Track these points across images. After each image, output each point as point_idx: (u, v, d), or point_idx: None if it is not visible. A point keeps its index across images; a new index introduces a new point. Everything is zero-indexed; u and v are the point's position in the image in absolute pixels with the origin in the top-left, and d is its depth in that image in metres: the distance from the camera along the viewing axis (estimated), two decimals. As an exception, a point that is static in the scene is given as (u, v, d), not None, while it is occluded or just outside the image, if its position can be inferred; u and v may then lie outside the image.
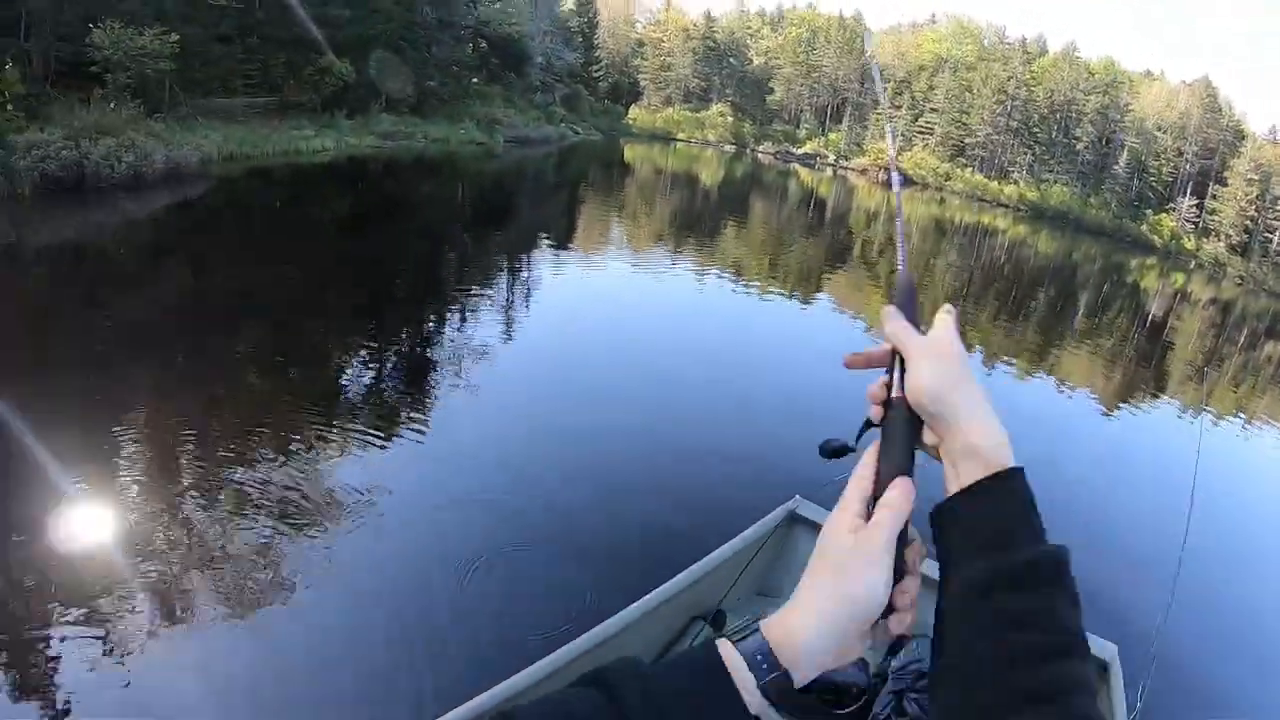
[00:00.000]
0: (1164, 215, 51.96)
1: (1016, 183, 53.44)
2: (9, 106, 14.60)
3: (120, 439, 6.17)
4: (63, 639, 4.02)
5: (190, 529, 5.04)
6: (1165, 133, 54.19)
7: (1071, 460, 8.77)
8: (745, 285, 15.64)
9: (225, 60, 24.87)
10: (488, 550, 5.05)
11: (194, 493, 5.47)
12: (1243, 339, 24.35)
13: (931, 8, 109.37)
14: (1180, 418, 11.61)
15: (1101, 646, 3.33)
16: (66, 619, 4.16)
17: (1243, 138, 53.36)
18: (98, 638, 4.01)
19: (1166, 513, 5.90)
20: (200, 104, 22.61)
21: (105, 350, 8.14)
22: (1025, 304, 19.77)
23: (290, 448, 6.23)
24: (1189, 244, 49.78)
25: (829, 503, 2.91)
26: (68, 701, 3.65)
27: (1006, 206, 49.20)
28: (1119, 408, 11.44)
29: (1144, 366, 15.26)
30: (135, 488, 5.47)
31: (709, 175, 43.59)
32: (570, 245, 18.10)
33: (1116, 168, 53.66)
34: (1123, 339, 16.81)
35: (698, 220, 26.33)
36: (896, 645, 2.34)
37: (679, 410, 8.03)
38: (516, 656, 2.85)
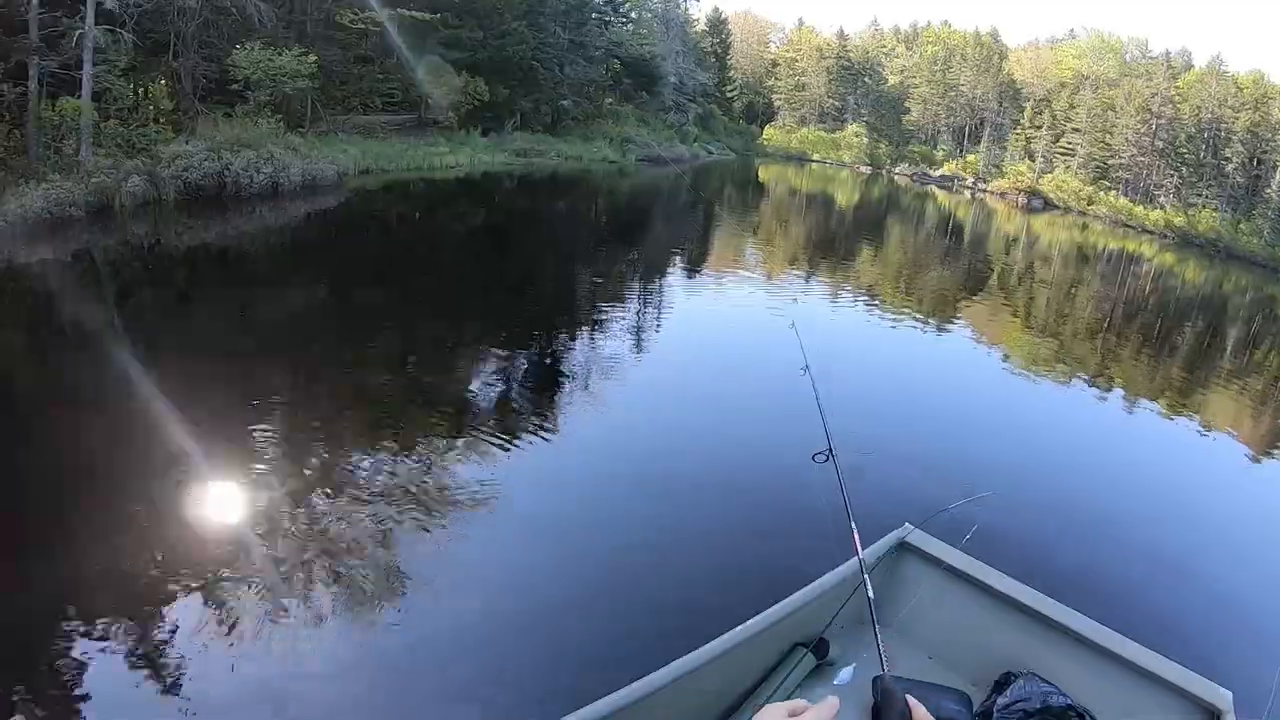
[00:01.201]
0: (1322, 244, 49.13)
1: (1163, 207, 51.20)
2: (159, 120, 15.85)
3: (253, 426, 6.55)
4: (181, 611, 4.26)
5: (314, 516, 5.26)
6: (1325, 151, 50.98)
7: (1206, 502, 8.88)
8: (878, 309, 15.63)
9: (364, 80, 26.30)
10: (605, 557, 5.32)
11: (321, 481, 5.72)
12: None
13: (1070, 22, 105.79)
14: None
15: (1215, 693, 3.28)
16: (186, 591, 4.40)
17: None
18: (214, 613, 4.24)
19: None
20: (340, 120, 24.16)
21: (240, 342, 8.77)
22: (1170, 338, 18.97)
23: (415, 446, 6.52)
24: (1352, 272, 46.99)
25: (942, 532, 4.14)
26: (179, 671, 3.87)
27: (1152, 233, 47.28)
28: (1268, 453, 11.10)
29: None
30: (264, 472, 5.76)
31: (844, 196, 43.52)
32: (703, 265, 18.55)
33: (1269, 190, 50.80)
34: (1275, 380, 15.98)
35: (832, 242, 26.63)
36: (1003, 682, 3.57)
37: (796, 429, 7.95)
38: (623, 669, 2.89)
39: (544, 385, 8.80)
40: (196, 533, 5.05)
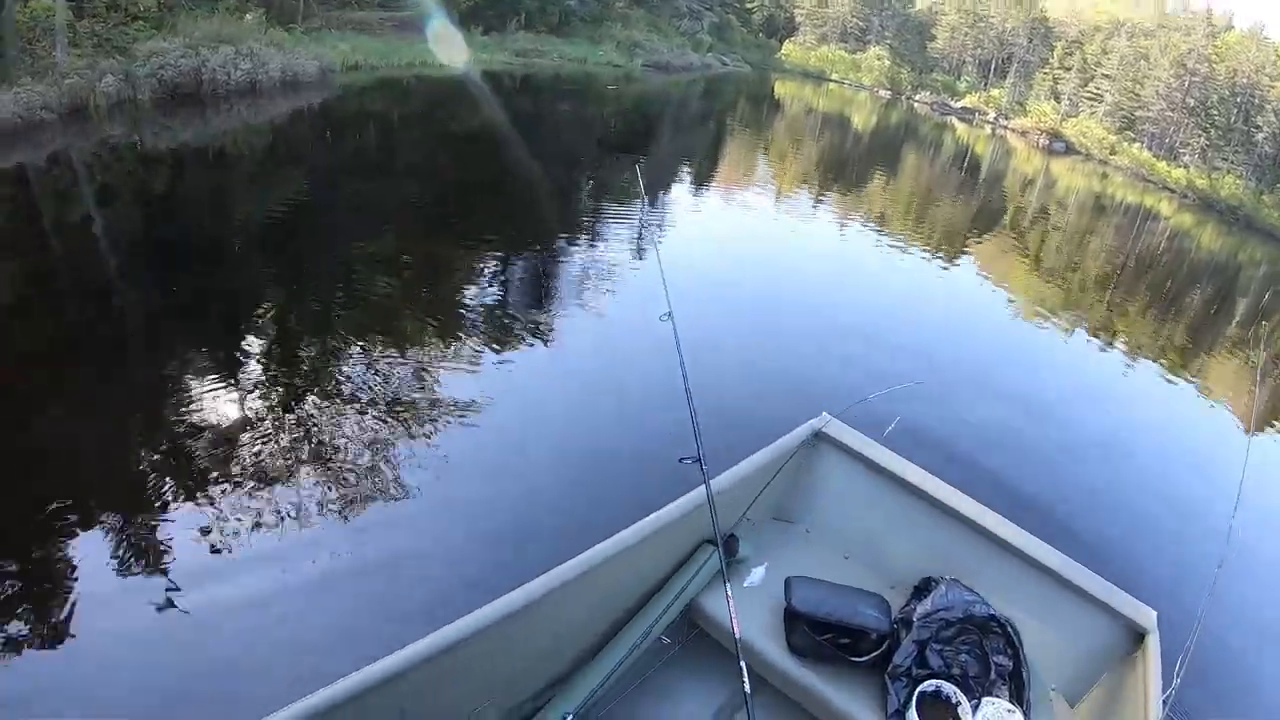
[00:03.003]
0: (1346, 223, 47.93)
1: (1186, 166, 49.97)
2: (139, 19, 15.34)
3: (241, 330, 6.51)
4: (174, 516, 4.21)
5: (304, 419, 5.26)
6: (1358, 131, 49.69)
7: (1149, 435, 9.19)
8: (886, 238, 15.60)
9: (359, -28, 25.09)
10: (567, 457, 5.39)
11: (311, 386, 5.73)
12: None
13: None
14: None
15: (1141, 612, 3.25)
16: (180, 495, 4.37)
17: None
18: (206, 518, 4.19)
19: (1221, 491, 6.19)
20: (334, 15, 23.26)
21: (223, 243, 8.60)
22: (1179, 301, 18.93)
23: (407, 351, 6.48)
24: (1371, 261, 45.96)
25: (860, 423, 3.90)
26: (172, 583, 3.79)
27: (1173, 191, 46.22)
28: (1218, 400, 11.43)
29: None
30: (254, 377, 5.74)
31: (861, 120, 42.47)
32: (712, 179, 18.21)
33: (1298, 165, 49.69)
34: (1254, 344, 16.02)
35: (845, 166, 25.92)
36: (923, 587, 3.30)
37: (761, 337, 8.53)
38: (585, 537, 2.84)
39: (537, 295, 8.72)
40: (183, 436, 4.92)
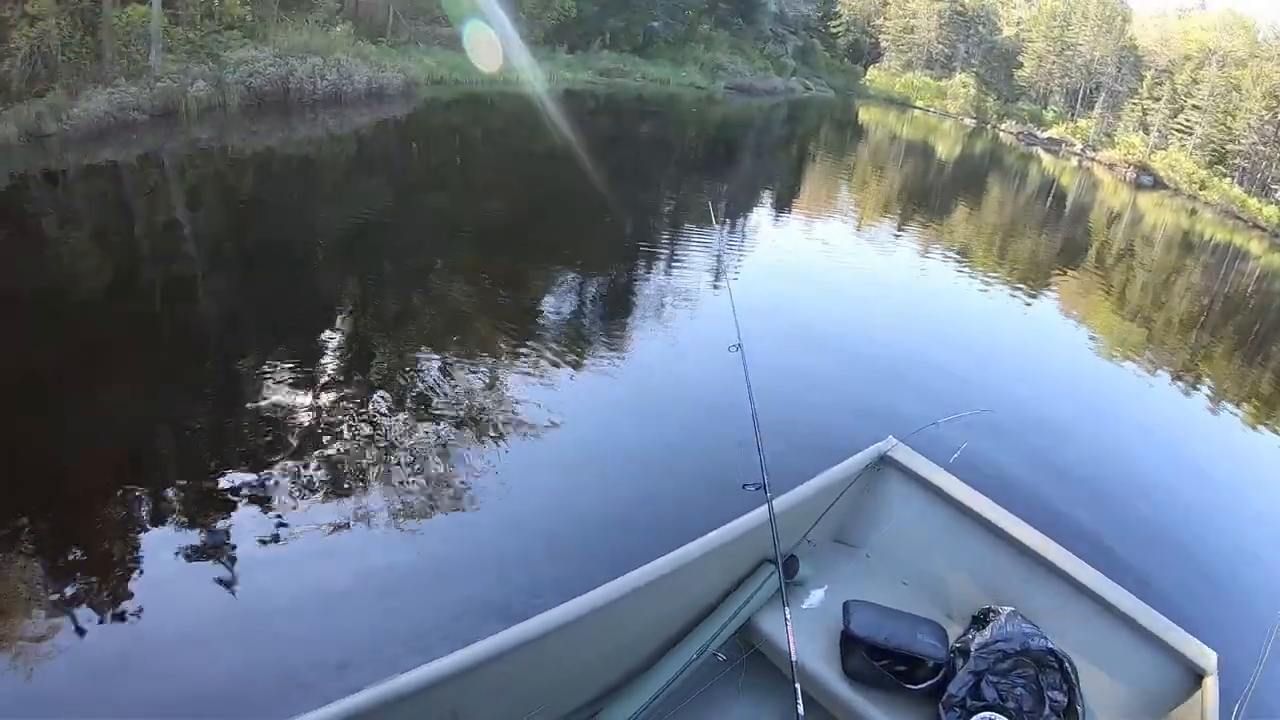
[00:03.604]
0: None
1: (1278, 204, 48.67)
2: (232, 27, 15.94)
3: (319, 332, 6.66)
4: (238, 504, 4.34)
5: (373, 420, 5.37)
6: None
7: (1214, 472, 8.98)
8: (966, 270, 15.46)
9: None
10: (638, 480, 5.40)
11: (382, 389, 5.82)
12: None
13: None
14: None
15: (1201, 652, 3.17)
16: (245, 484, 4.50)
17: None
18: (268, 511, 4.30)
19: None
20: (423, 31, 23.83)
21: (305, 246, 8.79)
22: (1263, 345, 18.31)
23: (478, 361, 6.58)
24: None
25: (927, 449, 3.84)
26: (230, 564, 3.93)
27: (1264, 230, 44.88)
28: None
29: None
30: (327, 376, 5.88)
31: (945, 148, 42.38)
32: (791, 204, 18.27)
33: (1395, 205, 48.05)
34: None
35: (928, 195, 25.85)
36: (981, 618, 3.28)
37: (841, 368, 8.51)
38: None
39: (610, 316, 8.75)
40: (255, 427, 5.10)
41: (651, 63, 34.67)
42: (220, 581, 3.87)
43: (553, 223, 11.98)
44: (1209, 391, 12.60)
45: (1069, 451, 7.75)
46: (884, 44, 63.21)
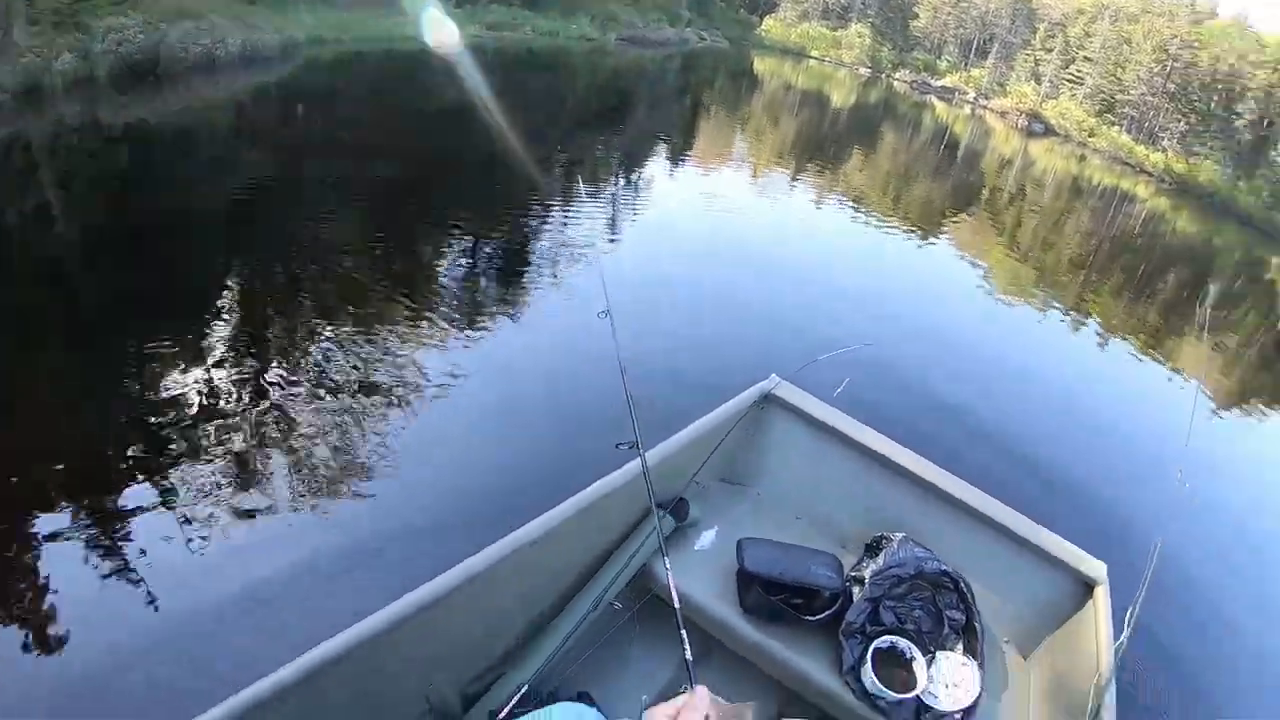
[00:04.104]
0: (1320, 213, 48.10)
1: (1165, 151, 49.94)
2: None
3: (206, 312, 6.27)
4: (135, 499, 4.03)
5: (270, 401, 5.12)
6: (1336, 125, 49.80)
7: (1098, 396, 9.48)
8: (860, 215, 15.50)
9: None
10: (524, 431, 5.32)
11: (277, 366, 5.58)
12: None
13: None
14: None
15: (1090, 564, 3.28)
16: (142, 477, 4.20)
17: None
18: (169, 501, 4.04)
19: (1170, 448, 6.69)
20: None
21: (185, 224, 8.28)
22: (1155, 283, 18.99)
23: (374, 331, 6.32)
24: (1342, 248, 46.14)
25: (812, 386, 3.80)
26: (137, 562, 3.66)
27: (1150, 175, 46.22)
28: (1174, 371, 11.56)
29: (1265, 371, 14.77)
30: (217, 358, 5.56)
31: (840, 97, 42.25)
32: (684, 157, 17.88)
33: (1274, 154, 49.68)
34: (1216, 324, 16.34)
35: (822, 143, 25.79)
36: (874, 545, 3.29)
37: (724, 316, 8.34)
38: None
39: (511, 272, 8.59)
40: (147, 419, 4.75)
41: (542, 15, 33.07)
42: (114, 583, 3.54)
43: (441, 185, 11.58)
44: (1094, 324, 12.85)
45: (955, 383, 7.84)
46: (780, -7, 62.54)
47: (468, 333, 6.69)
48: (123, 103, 12.61)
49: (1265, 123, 50.35)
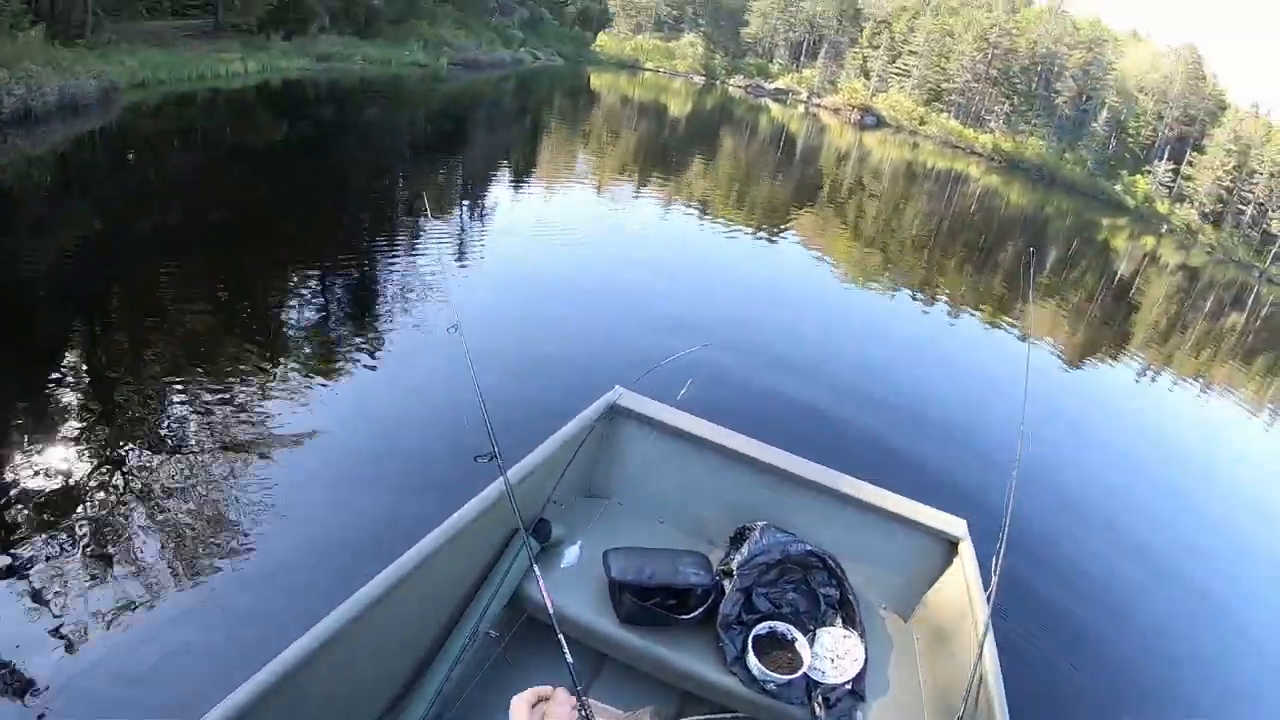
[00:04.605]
0: (1139, 177, 50.96)
1: (992, 132, 52.19)
2: None
3: (44, 383, 5.70)
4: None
5: (125, 467, 4.77)
6: (1147, 95, 53.16)
7: (942, 361, 9.86)
8: (703, 220, 15.25)
9: (149, -21, 22.61)
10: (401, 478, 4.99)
11: (130, 431, 5.16)
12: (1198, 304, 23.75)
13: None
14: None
15: (951, 522, 3.42)
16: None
17: (1224, 108, 52.42)
18: (30, 589, 3.73)
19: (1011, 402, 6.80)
20: (126, 28, 20.66)
21: (12, 291, 7.37)
22: (992, 255, 19.37)
23: (226, 383, 5.92)
24: (1162, 208, 48.93)
25: (652, 390, 3.96)
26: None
27: (980, 155, 48.22)
28: (1009, 326, 12.02)
29: (1107, 324, 15.50)
30: (62, 431, 5.09)
31: (677, 106, 42.26)
32: (523, 177, 17.32)
33: (1095, 125, 52.62)
34: (1087, 297, 17.15)
35: (664, 152, 25.59)
36: (738, 537, 3.51)
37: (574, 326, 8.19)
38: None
39: (337, 314, 8.03)
40: None
41: (373, 44, 31.73)
42: None
43: (281, 226, 10.71)
44: (938, 301, 13.00)
45: (799, 372, 7.82)
46: (613, 9, 62.39)
47: (321, 373, 6.34)
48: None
49: (1084, 97, 53.40)
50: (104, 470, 4.73)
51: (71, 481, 4.53)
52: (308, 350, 6.89)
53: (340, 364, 6.62)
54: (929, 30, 56.02)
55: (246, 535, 4.27)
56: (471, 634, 2.78)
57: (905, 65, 55.93)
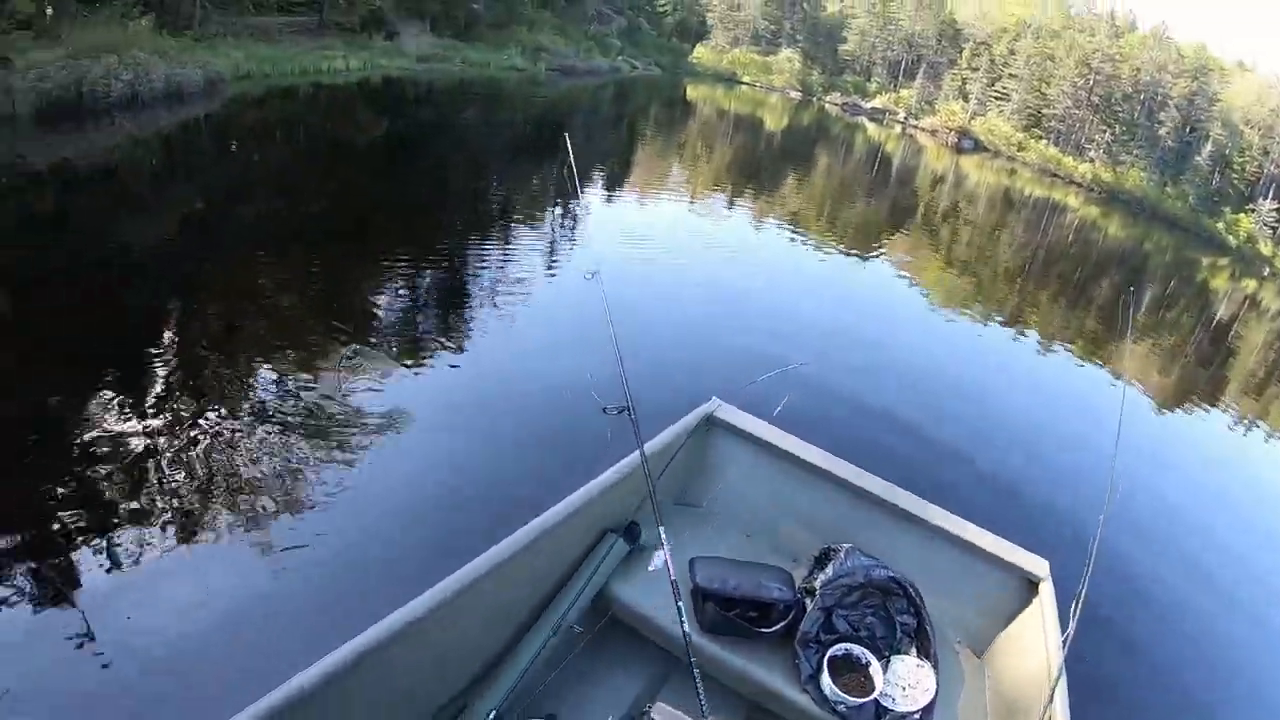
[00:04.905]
0: (1242, 215, 49.00)
1: (1092, 161, 51.00)
2: (26, 26, 14.00)
3: (139, 359, 5.99)
4: (77, 543, 3.90)
5: (212, 443, 4.94)
6: (1253, 128, 50.95)
7: (1035, 401, 9.66)
8: (797, 236, 15.44)
9: (258, -24, 23.82)
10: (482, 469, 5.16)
11: (217, 407, 5.36)
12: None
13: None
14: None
15: (1034, 562, 3.44)
16: (83, 523, 4.05)
17: (1335, 146, 50.27)
18: (112, 543, 3.90)
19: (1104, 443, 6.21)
20: (232, 21, 21.70)
21: (118, 267, 7.85)
22: (1088, 289, 19.13)
23: (318, 369, 6.16)
24: (1265, 249, 47.15)
25: (749, 405, 4.09)
26: (85, 613, 3.50)
27: (1079, 185, 47.23)
28: (1111, 375, 11.52)
29: (1202, 367, 15.21)
30: (157, 403, 5.34)
31: (773, 120, 42.38)
32: (622, 185, 17.71)
33: (1198, 159, 50.86)
34: (1184, 339, 16.85)
35: (758, 167, 25.72)
36: (823, 557, 3.48)
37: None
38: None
39: (450, 306, 8.34)
40: (84, 467, 4.48)
41: (472, 47, 32.68)
42: (63, 626, 3.39)
43: (378, 221, 11.07)
44: (1030, 332, 12.92)
45: (892, 395, 7.87)
46: (710, 22, 62.81)
47: (411, 367, 6.54)
48: (45, 141, 12.02)
49: (1187, 128, 51.77)
50: (197, 443, 4.94)
51: (160, 455, 4.74)
52: (409, 340, 7.20)
53: (430, 361, 6.80)
54: (1029, 53, 54.92)
55: (336, 518, 4.45)
56: (555, 627, 2.86)
57: (1004, 88, 54.99)
